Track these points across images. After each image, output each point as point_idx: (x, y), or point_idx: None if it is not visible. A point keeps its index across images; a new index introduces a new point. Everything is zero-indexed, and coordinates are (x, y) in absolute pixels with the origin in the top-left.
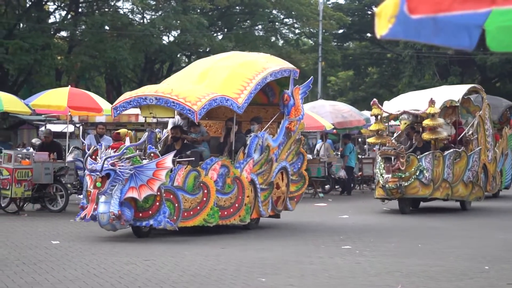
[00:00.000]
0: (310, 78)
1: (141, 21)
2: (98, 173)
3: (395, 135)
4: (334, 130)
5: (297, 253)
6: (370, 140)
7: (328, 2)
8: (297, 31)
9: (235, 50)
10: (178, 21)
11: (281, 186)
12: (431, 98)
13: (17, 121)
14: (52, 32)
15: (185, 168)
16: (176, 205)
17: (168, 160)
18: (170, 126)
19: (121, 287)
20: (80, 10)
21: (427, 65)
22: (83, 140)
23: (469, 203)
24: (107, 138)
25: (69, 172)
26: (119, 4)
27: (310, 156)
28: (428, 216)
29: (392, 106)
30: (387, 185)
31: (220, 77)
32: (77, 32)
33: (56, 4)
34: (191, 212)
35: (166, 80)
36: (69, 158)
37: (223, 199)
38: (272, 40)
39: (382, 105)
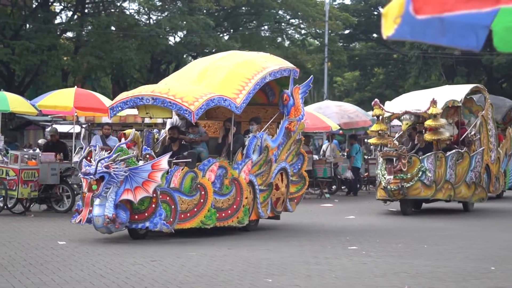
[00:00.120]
0: (310, 77)
1: (147, 21)
2: (92, 176)
3: (396, 135)
4: (340, 131)
5: (303, 253)
6: (372, 140)
7: (334, 3)
8: (303, 31)
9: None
10: (184, 22)
11: (281, 187)
12: (433, 98)
13: (23, 121)
14: (58, 33)
15: (181, 170)
16: (173, 207)
17: (163, 161)
18: (168, 126)
19: None
20: (86, 10)
21: (433, 66)
22: (82, 142)
23: (471, 205)
24: (113, 138)
25: (75, 173)
26: (125, 4)
27: (316, 157)
28: (434, 217)
29: (394, 106)
30: (388, 187)
31: (219, 77)
32: (83, 32)
33: (62, 5)
34: (188, 214)
35: (164, 80)
36: (76, 158)
37: (221, 200)
38: (278, 41)
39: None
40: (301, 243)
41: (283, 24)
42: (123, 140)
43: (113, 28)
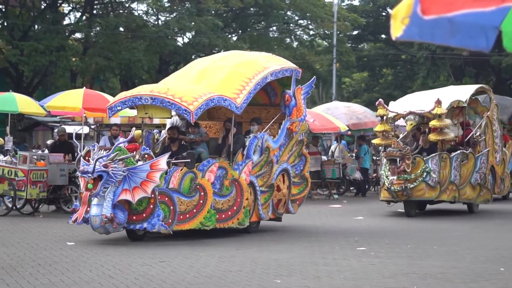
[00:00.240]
0: (313, 78)
1: (156, 22)
2: (90, 174)
3: (401, 136)
4: (349, 132)
5: (312, 254)
6: (376, 141)
7: (342, 4)
8: (311, 32)
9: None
10: (193, 23)
11: (282, 188)
12: (438, 99)
13: (32, 122)
14: (67, 34)
15: (180, 170)
16: (172, 207)
17: (162, 161)
18: (168, 127)
19: None
20: (94, 11)
21: (442, 67)
22: (75, 141)
23: (476, 206)
24: (121, 139)
25: None
26: (134, 5)
27: (325, 158)
28: (440, 218)
29: (398, 106)
30: (392, 187)
31: (219, 77)
32: (92, 33)
33: (71, 5)
34: (187, 215)
35: (164, 80)
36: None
37: (221, 201)
38: (286, 42)
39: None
40: (310, 244)
41: (291, 25)
42: (121, 139)
43: (121, 29)
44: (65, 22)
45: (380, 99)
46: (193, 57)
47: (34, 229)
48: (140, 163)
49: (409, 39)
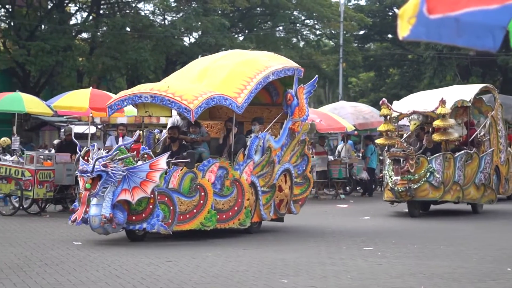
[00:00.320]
0: (315, 77)
1: (162, 22)
2: (89, 174)
3: (404, 135)
4: (355, 132)
5: (318, 254)
6: (379, 141)
7: (349, 4)
8: (318, 32)
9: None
10: (199, 23)
11: (284, 188)
12: (442, 98)
13: (39, 122)
14: (73, 34)
15: (180, 170)
16: (171, 208)
17: (161, 161)
18: (169, 126)
19: None
20: (101, 11)
21: (449, 66)
22: (76, 141)
23: (480, 206)
24: (127, 139)
25: None
26: (140, 5)
27: (331, 158)
28: (445, 218)
29: (402, 106)
30: (395, 188)
31: (220, 76)
32: (99, 33)
33: (78, 5)
34: (187, 216)
35: (165, 79)
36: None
37: (221, 202)
38: (293, 42)
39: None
40: (316, 244)
41: (298, 24)
42: (120, 140)
43: (128, 29)
44: (71, 22)
45: (384, 99)
46: (199, 57)
47: (41, 228)
48: (139, 162)
49: (416, 39)
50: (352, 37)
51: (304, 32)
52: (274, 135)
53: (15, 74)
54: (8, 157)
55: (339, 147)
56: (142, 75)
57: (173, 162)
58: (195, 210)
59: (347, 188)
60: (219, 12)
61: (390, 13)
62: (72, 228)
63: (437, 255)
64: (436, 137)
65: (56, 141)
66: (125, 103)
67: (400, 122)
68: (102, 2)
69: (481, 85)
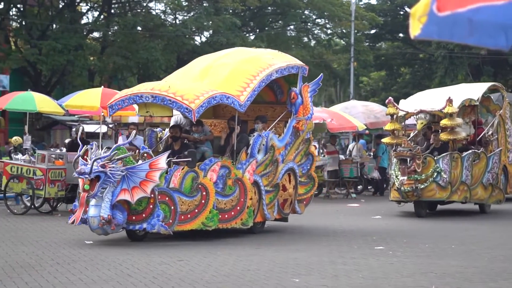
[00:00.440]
0: (320, 75)
1: (173, 22)
2: (87, 175)
3: (411, 134)
4: (367, 131)
5: (330, 253)
6: (385, 140)
7: (360, 3)
8: (329, 31)
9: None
10: (210, 22)
11: (288, 188)
12: (449, 97)
13: (50, 121)
14: (84, 33)
15: (182, 169)
16: (172, 207)
17: (161, 160)
18: (171, 125)
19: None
20: (112, 11)
21: (460, 66)
22: (79, 142)
23: (488, 206)
24: (139, 138)
25: None
26: (151, 4)
27: (342, 157)
28: (453, 218)
29: (409, 104)
30: (402, 188)
31: (222, 74)
32: (110, 32)
33: (89, 5)
34: (189, 215)
35: (166, 78)
36: None
37: (224, 201)
38: (304, 41)
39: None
40: (328, 243)
41: (309, 24)
42: (120, 139)
43: (139, 28)
44: (83, 21)
45: (390, 97)
46: None
47: (52, 227)
48: (139, 162)
49: (428, 37)
50: (363, 36)
51: (315, 31)
52: (278, 134)
53: (27, 73)
54: (19, 156)
55: (350, 146)
56: (154, 74)
57: (174, 161)
58: (196, 210)
59: (358, 187)
60: (230, 11)
61: (401, 12)
62: (83, 227)
63: (448, 255)
64: (443, 136)
65: (67, 140)
66: (125, 103)
67: (407, 121)
68: (114, 1)
69: (489, 84)
